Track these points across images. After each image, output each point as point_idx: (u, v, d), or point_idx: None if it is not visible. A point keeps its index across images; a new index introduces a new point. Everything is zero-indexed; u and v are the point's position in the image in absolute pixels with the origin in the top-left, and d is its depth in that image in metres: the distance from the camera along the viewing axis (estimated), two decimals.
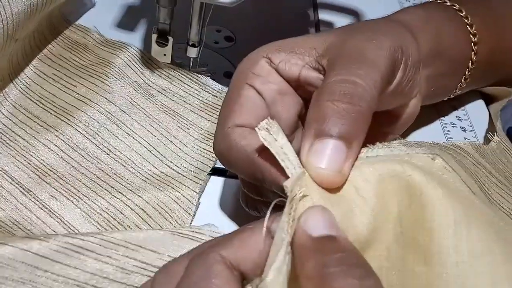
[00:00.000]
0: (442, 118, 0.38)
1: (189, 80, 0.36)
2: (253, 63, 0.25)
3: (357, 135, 0.20)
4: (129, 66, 0.35)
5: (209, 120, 0.34)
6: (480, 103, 0.40)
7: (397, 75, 0.25)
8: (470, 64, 0.33)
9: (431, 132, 0.36)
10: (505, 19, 0.35)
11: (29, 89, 0.33)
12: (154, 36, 0.33)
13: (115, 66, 0.35)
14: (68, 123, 0.31)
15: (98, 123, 0.32)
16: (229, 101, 0.25)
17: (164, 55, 0.34)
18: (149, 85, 0.35)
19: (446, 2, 0.33)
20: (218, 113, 0.27)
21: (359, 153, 0.21)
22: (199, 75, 0.36)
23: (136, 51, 0.36)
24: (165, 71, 0.36)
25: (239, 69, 0.26)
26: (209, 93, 0.35)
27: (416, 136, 0.36)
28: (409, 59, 0.26)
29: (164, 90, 0.35)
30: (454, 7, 0.33)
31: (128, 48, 0.36)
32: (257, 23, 0.41)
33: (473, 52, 0.32)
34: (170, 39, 0.33)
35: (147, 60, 0.36)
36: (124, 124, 0.32)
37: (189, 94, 0.35)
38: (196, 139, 0.33)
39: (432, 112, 0.38)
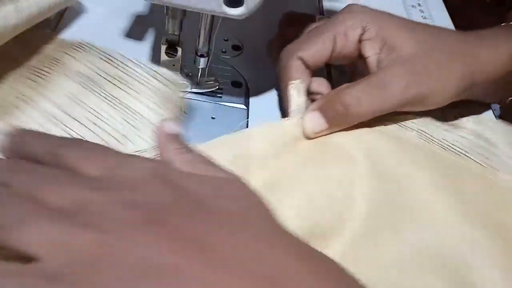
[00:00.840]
0: None
1: (137, 68, 0.34)
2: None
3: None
4: (79, 62, 0.34)
5: (149, 107, 0.32)
6: None
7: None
8: None
9: None
10: None
11: None
12: (163, 47, 0.33)
13: (60, 63, 0.34)
14: (4, 123, 0.30)
15: (39, 124, 0.30)
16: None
17: (173, 65, 0.35)
18: (98, 74, 0.34)
19: None
20: (158, 99, 0.32)
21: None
22: (149, 64, 0.35)
23: (88, 45, 0.35)
24: (115, 59, 0.35)
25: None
26: (158, 80, 0.34)
27: None
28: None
29: (114, 78, 0.34)
30: None
31: (78, 45, 0.36)
32: (264, 31, 0.41)
33: None
34: (179, 49, 0.33)
35: (99, 53, 0.35)
36: (62, 123, 0.31)
37: (138, 82, 0.34)
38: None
39: None
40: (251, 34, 0.42)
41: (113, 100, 0.33)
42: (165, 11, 0.32)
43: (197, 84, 0.36)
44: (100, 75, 0.34)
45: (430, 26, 0.37)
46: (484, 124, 0.36)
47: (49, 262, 0.18)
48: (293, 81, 0.32)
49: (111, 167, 0.22)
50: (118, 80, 0.34)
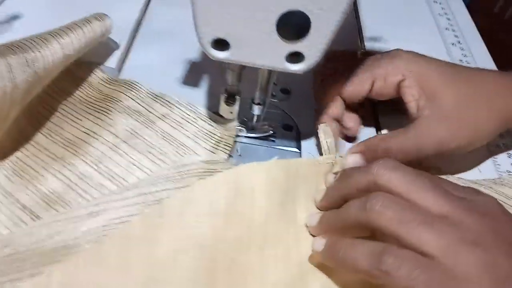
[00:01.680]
0: None
1: (186, 108, 0.38)
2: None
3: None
4: (131, 99, 0.39)
5: (204, 148, 0.36)
6: None
7: None
8: None
9: None
10: None
11: (39, 123, 0.37)
12: (223, 97, 0.36)
13: (117, 101, 0.38)
14: (74, 154, 0.35)
15: (102, 153, 0.35)
16: None
17: (231, 112, 0.37)
18: (149, 112, 0.38)
19: None
20: (213, 141, 0.36)
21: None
22: (195, 105, 0.39)
23: (136, 84, 0.40)
24: (164, 99, 0.39)
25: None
26: (205, 121, 0.38)
27: None
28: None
29: (164, 116, 0.38)
30: None
31: (130, 84, 0.40)
32: (311, 74, 0.43)
33: None
34: (238, 98, 0.35)
35: (148, 92, 0.39)
36: (126, 153, 0.35)
37: (187, 121, 0.38)
38: (193, 163, 0.34)
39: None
40: (298, 77, 0.44)
41: (164, 134, 0.36)
42: (226, 64, 0.34)
43: (251, 129, 0.38)
44: (152, 113, 0.38)
45: (469, 70, 0.37)
46: None
47: (444, 263, 0.23)
48: (321, 124, 0.36)
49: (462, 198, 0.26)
50: (168, 118, 0.37)
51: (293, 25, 0.27)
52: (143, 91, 0.40)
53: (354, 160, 0.33)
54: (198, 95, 0.41)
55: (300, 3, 0.26)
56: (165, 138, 0.36)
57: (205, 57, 0.44)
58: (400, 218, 0.25)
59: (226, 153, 0.36)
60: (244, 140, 0.38)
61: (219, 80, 0.42)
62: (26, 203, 0.32)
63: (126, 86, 0.40)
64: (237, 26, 0.28)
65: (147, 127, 0.37)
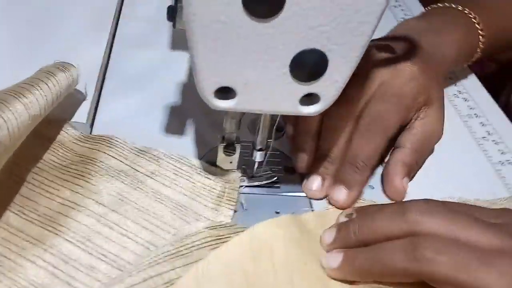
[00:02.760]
0: None
1: (177, 162, 0.34)
2: None
3: None
4: (112, 157, 0.34)
5: (205, 206, 0.32)
6: None
7: None
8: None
9: None
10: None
11: (8, 199, 0.31)
12: (221, 146, 0.32)
13: (97, 162, 0.33)
14: (55, 233, 0.29)
15: (88, 228, 0.29)
16: None
17: (230, 162, 0.33)
18: (136, 170, 0.33)
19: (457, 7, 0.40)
20: (213, 197, 0.32)
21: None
22: (185, 157, 0.34)
23: (116, 140, 0.35)
24: (150, 154, 0.34)
25: None
26: (201, 175, 0.33)
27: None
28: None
29: (153, 173, 0.33)
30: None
31: (108, 140, 0.35)
32: None
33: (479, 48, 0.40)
34: (238, 147, 0.32)
35: (131, 148, 0.35)
36: (117, 225, 0.30)
37: (180, 176, 0.33)
38: (198, 231, 0.30)
39: None
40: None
41: (157, 195, 0.32)
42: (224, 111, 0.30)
43: (252, 177, 0.34)
44: (139, 171, 0.33)
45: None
46: None
47: None
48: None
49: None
50: (158, 175, 0.33)
51: (309, 65, 0.24)
52: (125, 147, 0.35)
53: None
54: (186, 144, 0.37)
55: (314, 40, 0.23)
56: (158, 200, 0.32)
57: (186, 99, 0.40)
58: (457, 262, 0.23)
59: (230, 209, 0.32)
60: (246, 190, 0.34)
61: (206, 124, 0.38)
62: None
63: (104, 143, 0.35)
64: (244, 72, 0.24)
65: (135, 189, 0.32)
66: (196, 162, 0.34)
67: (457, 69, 0.45)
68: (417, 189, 0.35)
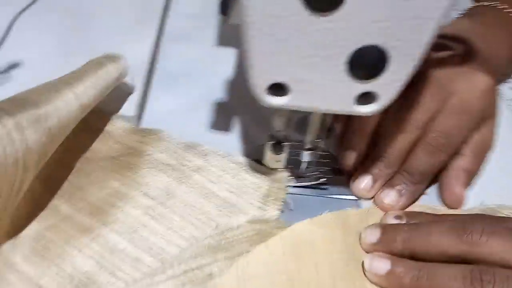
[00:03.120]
0: None
1: (224, 159, 0.33)
2: None
3: None
4: (160, 152, 0.34)
5: (251, 204, 0.31)
6: None
7: None
8: None
9: None
10: None
11: (57, 188, 0.31)
12: (269, 145, 0.31)
13: (145, 155, 0.33)
14: (102, 223, 0.29)
15: (135, 219, 0.30)
16: None
17: (278, 161, 0.32)
18: (183, 164, 0.33)
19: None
20: (259, 196, 0.31)
21: None
22: (233, 155, 0.34)
23: (164, 134, 0.35)
24: (198, 149, 0.34)
25: None
26: (248, 173, 0.33)
27: None
28: None
29: (200, 168, 0.33)
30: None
31: (157, 134, 0.35)
32: None
33: None
34: (286, 146, 0.31)
35: (178, 142, 0.34)
36: (164, 218, 0.30)
37: (227, 173, 0.33)
38: (240, 225, 0.30)
39: None
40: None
41: (204, 190, 0.31)
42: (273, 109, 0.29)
43: (299, 177, 0.33)
44: (186, 166, 0.33)
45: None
46: None
47: None
48: None
49: None
50: (204, 171, 0.33)
51: (367, 62, 0.23)
52: (172, 141, 0.35)
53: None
54: (232, 141, 0.36)
55: (375, 36, 0.22)
56: (204, 196, 0.31)
57: (233, 97, 0.40)
58: None
59: (277, 208, 0.31)
60: (292, 190, 0.33)
61: (254, 121, 0.38)
62: None
63: (153, 137, 0.35)
64: (299, 68, 0.23)
65: (182, 183, 0.32)
66: (243, 159, 0.34)
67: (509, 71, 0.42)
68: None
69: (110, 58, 0.36)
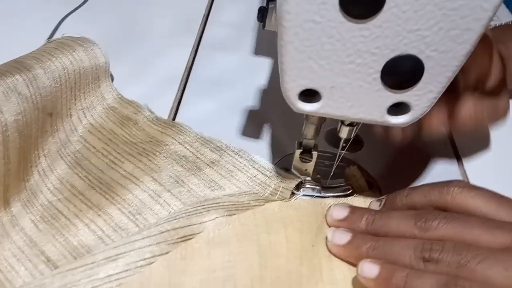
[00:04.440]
0: None
1: (239, 156, 0.34)
2: None
3: None
4: (179, 143, 0.35)
5: (257, 200, 0.31)
6: None
7: None
8: None
9: None
10: None
11: (77, 163, 0.33)
12: (298, 152, 0.31)
13: (164, 145, 0.35)
14: (111, 202, 0.31)
15: (142, 202, 0.31)
16: None
17: (305, 170, 0.32)
18: (197, 157, 0.34)
19: None
20: (266, 193, 0.31)
21: None
22: (247, 152, 0.34)
23: (186, 128, 0.36)
24: (214, 144, 0.35)
25: None
26: (259, 170, 0.33)
27: None
28: None
29: (213, 163, 0.33)
30: None
31: (178, 127, 0.36)
32: None
33: None
34: (315, 154, 0.31)
35: (198, 136, 0.36)
36: (168, 204, 0.31)
37: (238, 169, 0.33)
38: (218, 196, 0.31)
39: None
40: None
41: (212, 183, 0.32)
42: (304, 116, 0.29)
43: (326, 188, 0.33)
44: (200, 159, 0.34)
45: None
46: None
47: None
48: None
49: None
50: (217, 165, 0.33)
51: (402, 71, 0.23)
52: (192, 135, 0.36)
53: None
54: (262, 149, 0.37)
55: (412, 45, 0.22)
56: (212, 188, 0.32)
57: (266, 105, 0.40)
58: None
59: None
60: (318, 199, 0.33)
61: (284, 130, 0.38)
62: (51, 255, 0.28)
63: (174, 129, 0.36)
64: (333, 74, 0.23)
65: (193, 174, 0.33)
66: (257, 158, 0.34)
67: None
68: None
69: (78, 41, 0.38)
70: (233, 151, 0.35)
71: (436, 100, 0.24)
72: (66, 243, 0.28)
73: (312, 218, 0.29)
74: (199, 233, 0.27)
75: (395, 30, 0.21)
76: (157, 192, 0.31)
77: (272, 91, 0.42)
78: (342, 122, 0.29)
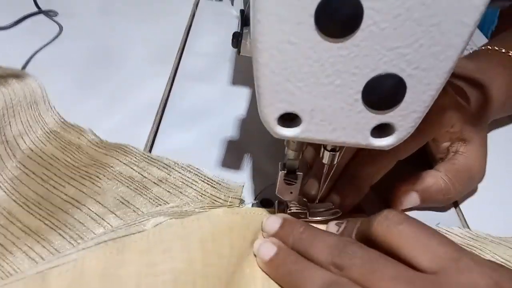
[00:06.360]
0: None
1: (187, 172, 0.33)
2: None
3: None
4: (124, 163, 0.34)
5: (201, 207, 0.30)
6: None
7: None
8: None
9: None
10: None
11: (15, 190, 0.31)
12: (282, 174, 0.29)
13: (108, 167, 0.33)
14: (51, 227, 0.29)
15: (84, 225, 0.29)
16: None
17: (291, 193, 0.30)
18: (144, 177, 0.33)
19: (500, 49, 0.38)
20: (216, 206, 0.30)
21: None
22: (196, 167, 0.33)
23: (131, 148, 0.35)
24: (162, 162, 0.34)
25: None
26: (208, 183, 0.32)
27: None
28: None
29: (160, 181, 0.32)
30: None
31: (123, 148, 0.35)
32: None
33: None
34: (300, 175, 0.29)
35: (144, 156, 0.34)
36: (111, 225, 0.29)
37: (186, 184, 0.32)
38: (161, 209, 0.30)
39: None
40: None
41: (160, 201, 0.31)
42: (285, 142, 0.28)
43: (313, 213, 0.31)
44: (147, 178, 0.33)
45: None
46: None
47: None
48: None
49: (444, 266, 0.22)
50: (165, 183, 0.32)
51: (384, 91, 0.22)
52: (138, 155, 0.35)
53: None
54: (242, 178, 0.35)
55: (392, 64, 0.21)
56: (157, 205, 0.31)
57: (244, 134, 0.39)
58: None
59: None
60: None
61: (264, 160, 0.36)
62: None
63: (119, 151, 0.35)
64: (312, 97, 0.22)
65: (139, 194, 0.31)
66: (206, 172, 0.33)
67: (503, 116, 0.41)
68: None
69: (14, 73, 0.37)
70: (181, 167, 0.34)
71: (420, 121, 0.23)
72: (1, 271, 0.27)
73: (258, 226, 0.29)
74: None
75: (374, 48, 0.21)
76: (100, 215, 0.30)
77: (251, 120, 0.41)
78: (324, 147, 0.28)
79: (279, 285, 0.26)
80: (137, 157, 0.34)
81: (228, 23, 0.55)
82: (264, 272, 0.27)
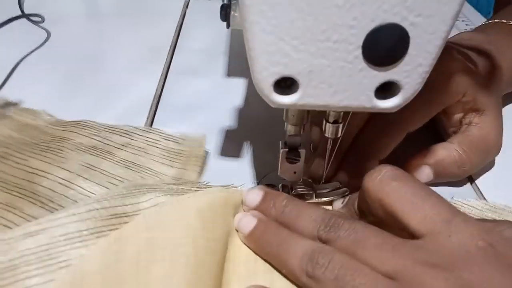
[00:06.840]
0: None
1: (149, 133, 0.34)
2: None
3: None
4: (83, 135, 0.33)
5: (172, 167, 0.31)
6: None
7: None
8: None
9: None
10: None
11: None
12: (284, 152, 0.28)
13: (68, 140, 0.33)
14: (20, 197, 0.28)
15: (53, 191, 0.29)
16: None
17: (294, 172, 0.28)
18: (106, 144, 0.33)
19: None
20: (182, 160, 0.32)
21: None
22: (158, 128, 0.34)
23: (88, 122, 0.35)
24: (122, 129, 0.34)
25: None
26: (171, 140, 0.33)
27: None
28: None
29: (124, 146, 0.33)
30: None
31: (82, 123, 0.35)
32: None
33: None
34: (303, 152, 0.27)
35: (103, 126, 0.34)
36: (81, 187, 0.29)
37: (150, 145, 0.33)
38: (164, 183, 0.29)
39: None
40: None
41: (126, 162, 0.31)
42: (284, 116, 0.26)
43: (319, 193, 0.29)
44: (110, 145, 0.33)
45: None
46: None
47: None
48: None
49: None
50: (128, 147, 0.33)
51: (385, 44, 0.20)
52: (97, 126, 0.34)
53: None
54: (242, 167, 0.33)
55: (393, 12, 0.19)
56: (127, 167, 0.30)
57: (243, 123, 0.37)
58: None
59: (195, 170, 0.31)
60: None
61: (264, 148, 0.35)
62: None
63: (77, 126, 0.34)
64: (308, 56, 0.21)
65: (104, 159, 0.31)
66: (167, 130, 0.34)
67: None
68: None
69: None
70: (142, 130, 0.34)
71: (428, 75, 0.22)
72: None
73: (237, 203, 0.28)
74: (133, 214, 0.25)
75: None
76: (68, 179, 0.29)
77: (249, 109, 0.39)
78: (327, 119, 0.26)
79: (262, 258, 0.25)
80: (96, 128, 0.34)
81: (219, 21, 0.54)
82: (248, 246, 0.26)
